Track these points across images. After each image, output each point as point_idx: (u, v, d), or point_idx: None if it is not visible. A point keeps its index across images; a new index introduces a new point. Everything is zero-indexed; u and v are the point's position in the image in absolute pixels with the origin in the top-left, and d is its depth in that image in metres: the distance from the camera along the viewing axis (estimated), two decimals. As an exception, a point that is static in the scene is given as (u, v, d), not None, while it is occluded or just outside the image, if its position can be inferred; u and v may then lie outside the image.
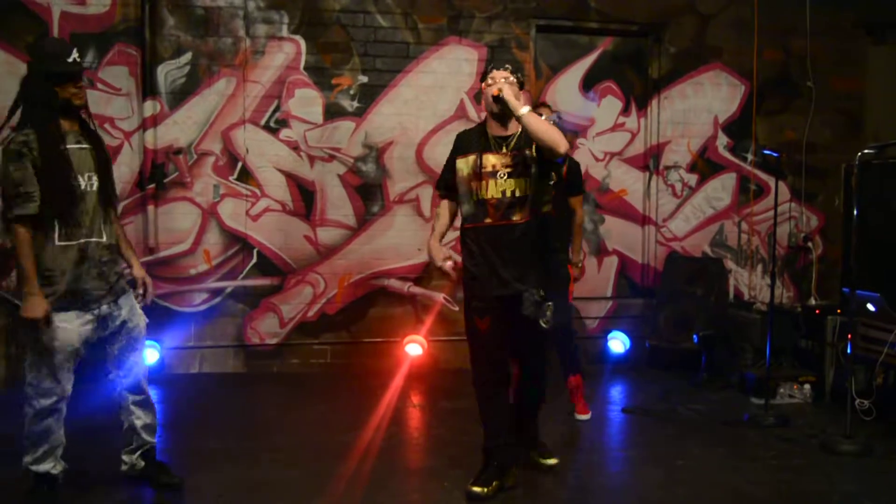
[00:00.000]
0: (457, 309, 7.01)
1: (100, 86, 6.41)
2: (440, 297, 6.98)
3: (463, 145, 4.24)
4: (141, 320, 4.02)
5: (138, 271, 4.10)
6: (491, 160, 4.08)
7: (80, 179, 3.72)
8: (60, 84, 3.66)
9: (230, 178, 6.67)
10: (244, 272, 6.75)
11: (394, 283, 6.91)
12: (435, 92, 6.89)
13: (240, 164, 6.68)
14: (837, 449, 4.87)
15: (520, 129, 4.07)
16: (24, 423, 3.78)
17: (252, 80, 6.66)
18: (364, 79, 6.81)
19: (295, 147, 6.75)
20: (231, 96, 6.64)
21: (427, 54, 6.90)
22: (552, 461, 4.54)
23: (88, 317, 3.76)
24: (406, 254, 6.91)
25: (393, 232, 6.85)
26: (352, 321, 6.87)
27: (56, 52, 3.71)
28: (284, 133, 6.73)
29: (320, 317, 6.84)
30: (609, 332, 7.18)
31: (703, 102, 7.39)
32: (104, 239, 3.81)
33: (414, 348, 6.69)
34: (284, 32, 6.70)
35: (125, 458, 4.14)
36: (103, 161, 3.83)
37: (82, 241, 3.72)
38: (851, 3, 7.43)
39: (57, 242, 3.65)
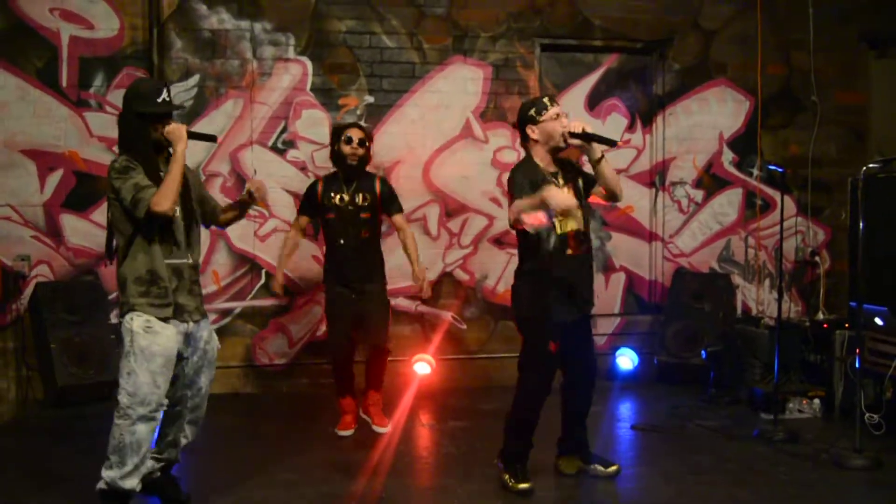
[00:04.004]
0: (465, 327, 7.03)
1: (109, 109, 6.47)
2: (448, 315, 7.00)
3: (530, 180, 4.28)
4: (216, 345, 4.21)
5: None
6: None
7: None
8: (152, 123, 3.87)
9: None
10: (253, 292, 6.78)
11: (402, 302, 6.92)
12: (441, 111, 6.93)
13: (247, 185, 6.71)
14: (847, 464, 4.85)
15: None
16: (112, 437, 3.81)
17: (259, 102, 6.71)
18: (370, 99, 6.86)
19: (302, 167, 6.79)
20: (238, 118, 6.69)
21: (432, 74, 6.95)
22: (613, 468, 4.68)
23: (181, 329, 3.93)
24: (414, 272, 6.92)
25: (401, 251, 6.80)
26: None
27: (146, 92, 3.92)
28: (292, 154, 6.78)
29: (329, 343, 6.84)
30: (617, 348, 7.18)
31: (707, 118, 7.41)
32: (190, 260, 4.01)
33: (422, 367, 6.69)
34: (291, 54, 6.76)
35: (148, 462, 4.13)
36: (188, 191, 4.02)
37: (175, 261, 3.93)
38: (854, 17, 7.45)
39: (163, 258, 3.89)
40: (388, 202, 5.57)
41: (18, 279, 6.35)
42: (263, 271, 6.76)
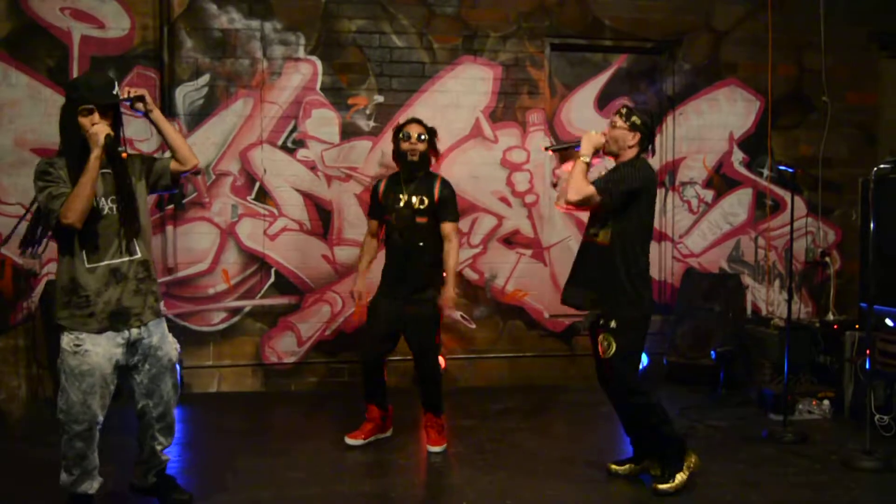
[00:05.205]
0: (474, 327, 7.03)
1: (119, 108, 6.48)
2: (457, 315, 7.00)
3: None
4: (171, 349, 4.00)
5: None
6: None
7: (102, 202, 3.76)
8: (84, 115, 3.70)
9: (248, 198, 6.73)
10: (262, 291, 6.79)
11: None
12: (450, 111, 6.94)
13: (258, 185, 6.74)
14: (857, 465, 4.85)
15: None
16: (61, 445, 3.79)
17: (269, 101, 6.72)
18: (380, 98, 6.87)
19: (312, 167, 6.80)
20: (249, 117, 6.70)
21: (442, 74, 6.95)
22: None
23: (119, 340, 3.76)
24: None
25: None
26: (369, 339, 6.88)
27: (82, 83, 3.79)
28: (301, 153, 6.79)
29: (338, 335, 6.86)
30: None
31: (718, 118, 7.39)
32: (138, 255, 3.82)
33: (431, 366, 6.68)
34: (301, 53, 6.77)
35: (137, 474, 4.15)
36: (124, 185, 3.81)
37: (111, 261, 3.74)
38: (865, 17, 7.43)
39: (87, 264, 3.70)
40: (442, 205, 5.16)
41: (29, 277, 6.38)
42: (273, 270, 6.78)
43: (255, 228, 6.76)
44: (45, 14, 6.39)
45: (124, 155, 3.83)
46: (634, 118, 4.46)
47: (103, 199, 3.76)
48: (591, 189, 4.31)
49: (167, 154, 4.03)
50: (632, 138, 4.46)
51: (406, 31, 6.89)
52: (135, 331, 3.82)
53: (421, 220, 5.13)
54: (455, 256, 5.19)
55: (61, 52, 6.42)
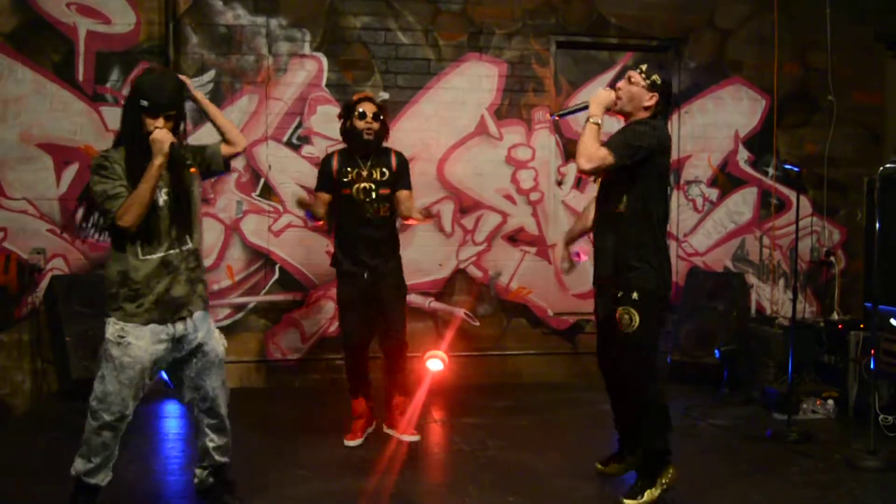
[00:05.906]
0: (477, 324, 7.03)
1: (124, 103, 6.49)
2: (461, 312, 7.00)
3: None
4: (219, 344, 3.96)
5: None
6: None
7: (157, 194, 3.67)
8: (150, 117, 3.65)
9: (253, 195, 6.74)
10: (266, 288, 6.80)
11: (414, 299, 6.90)
12: (455, 108, 6.94)
13: (262, 181, 6.75)
14: (861, 465, 4.83)
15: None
16: (84, 432, 3.73)
17: (274, 98, 6.72)
18: (385, 95, 6.86)
19: (317, 163, 6.79)
20: (254, 113, 6.71)
21: (448, 70, 6.95)
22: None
23: (164, 336, 3.71)
24: (427, 269, 6.93)
25: (414, 247, 6.87)
26: (373, 336, 6.88)
27: (153, 87, 3.68)
28: (306, 149, 6.79)
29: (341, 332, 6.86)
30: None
31: (723, 117, 7.38)
32: (189, 245, 3.79)
33: (435, 363, 6.68)
34: (306, 50, 6.77)
35: (197, 471, 4.06)
36: (176, 176, 3.75)
37: (165, 253, 3.70)
38: (871, 17, 7.42)
39: (140, 256, 3.66)
40: (400, 174, 5.17)
41: (34, 272, 6.39)
42: (277, 266, 6.78)
43: (260, 225, 6.76)
44: (51, 9, 6.40)
45: (193, 170, 3.80)
46: (655, 77, 4.15)
47: (158, 190, 3.69)
48: (604, 151, 3.98)
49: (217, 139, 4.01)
50: (648, 98, 4.17)
51: (411, 27, 6.88)
52: (180, 326, 3.76)
53: (384, 191, 5.10)
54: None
55: (67, 48, 6.43)
